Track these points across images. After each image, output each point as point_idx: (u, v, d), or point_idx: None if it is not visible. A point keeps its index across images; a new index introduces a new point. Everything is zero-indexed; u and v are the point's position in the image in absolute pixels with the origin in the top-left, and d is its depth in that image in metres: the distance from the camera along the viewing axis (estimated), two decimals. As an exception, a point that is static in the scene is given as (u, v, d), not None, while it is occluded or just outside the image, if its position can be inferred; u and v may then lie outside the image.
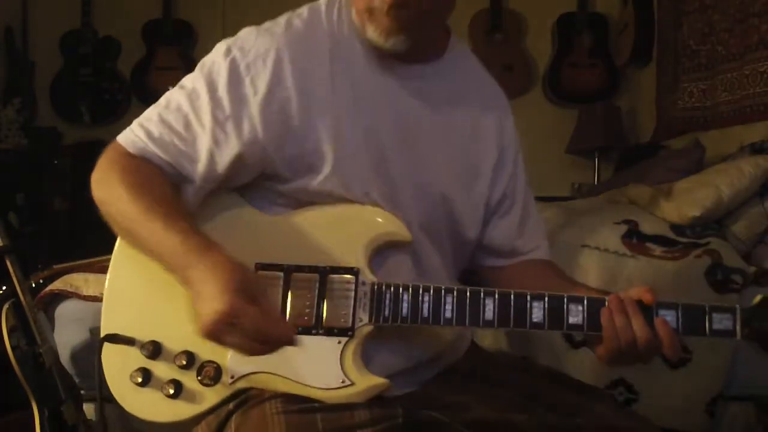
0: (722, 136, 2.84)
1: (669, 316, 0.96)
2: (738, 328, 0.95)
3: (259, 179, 1.09)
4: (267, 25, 1.10)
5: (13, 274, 1.59)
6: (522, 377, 1.15)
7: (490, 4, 4.25)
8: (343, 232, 1.06)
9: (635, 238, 1.85)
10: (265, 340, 0.91)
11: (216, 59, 1.07)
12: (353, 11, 1.08)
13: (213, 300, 0.89)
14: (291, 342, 0.94)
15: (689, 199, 1.96)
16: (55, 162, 4.12)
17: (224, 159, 1.04)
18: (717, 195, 1.92)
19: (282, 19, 1.10)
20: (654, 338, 0.95)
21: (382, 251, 1.07)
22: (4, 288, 1.62)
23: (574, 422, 1.03)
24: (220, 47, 1.08)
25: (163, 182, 1.04)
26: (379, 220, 1.06)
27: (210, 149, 1.04)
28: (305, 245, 1.05)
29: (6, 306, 1.55)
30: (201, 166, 1.04)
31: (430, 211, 1.11)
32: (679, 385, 1.64)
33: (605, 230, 1.89)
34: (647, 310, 0.96)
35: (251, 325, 0.89)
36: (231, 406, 1.02)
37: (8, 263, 1.59)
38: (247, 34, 1.09)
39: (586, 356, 1.65)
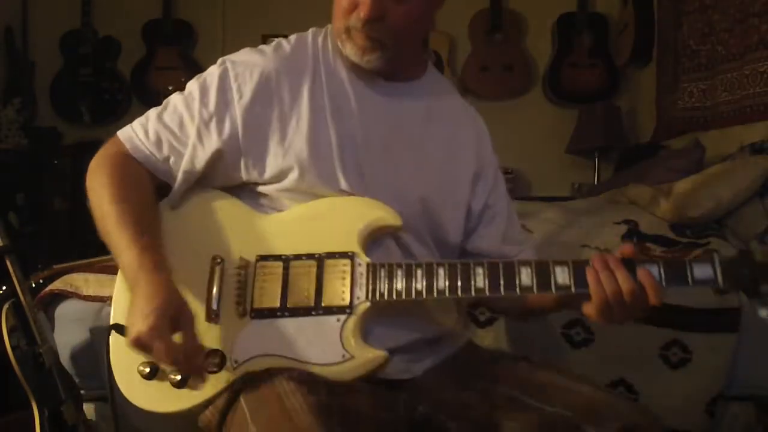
0: (722, 136, 2.84)
1: (652, 269, 1.00)
2: (719, 275, 0.99)
3: (244, 183, 1.18)
4: (260, 47, 1.23)
5: (13, 274, 1.58)
6: (520, 374, 1.15)
7: (490, 4, 4.25)
8: (337, 222, 1.12)
9: (635, 238, 1.86)
10: (176, 365, 1.00)
11: (211, 69, 1.20)
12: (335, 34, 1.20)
13: (142, 317, 0.98)
14: (199, 375, 1.04)
15: (689, 200, 1.96)
16: (55, 162, 4.12)
17: (205, 153, 1.15)
18: (717, 195, 1.92)
19: (273, 43, 1.23)
20: (639, 289, 0.99)
21: (373, 242, 1.13)
22: (4, 288, 1.62)
23: (567, 416, 1.03)
24: (218, 60, 1.21)
25: (146, 188, 1.16)
26: (370, 208, 1.13)
27: (194, 144, 1.15)
28: (302, 237, 1.12)
29: (6, 306, 1.55)
30: (185, 159, 1.16)
31: (409, 213, 1.17)
32: (679, 385, 1.64)
33: (605, 230, 1.89)
34: (630, 265, 1.00)
35: (164, 350, 0.97)
36: (237, 386, 1.05)
37: (8, 263, 1.59)
38: (242, 51, 1.22)
39: (587, 356, 1.65)
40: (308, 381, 1.00)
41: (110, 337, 1.11)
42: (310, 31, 1.25)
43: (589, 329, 1.65)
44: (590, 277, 1.00)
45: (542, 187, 4.28)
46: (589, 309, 1.03)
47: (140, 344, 0.97)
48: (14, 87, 4.26)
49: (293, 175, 1.13)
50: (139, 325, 0.97)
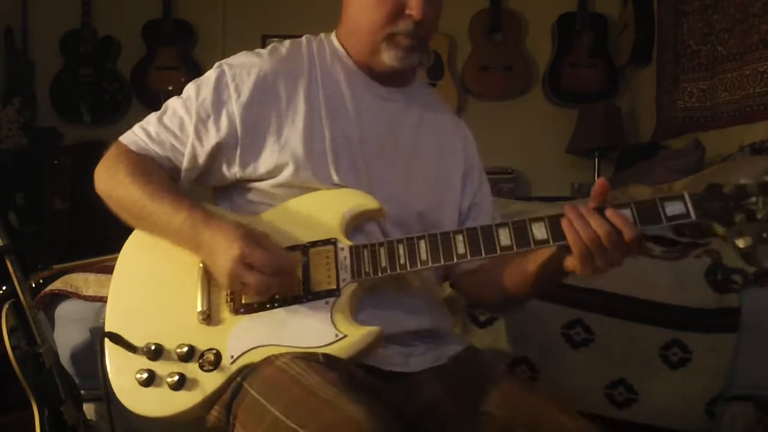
0: (722, 136, 2.85)
1: (624, 212, 1.02)
2: (691, 209, 1.00)
3: (238, 180, 1.21)
4: (256, 50, 1.27)
5: (13, 274, 1.59)
6: (514, 397, 1.14)
7: (490, 4, 4.26)
8: (319, 213, 1.15)
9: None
10: (277, 271, 1.05)
11: (209, 73, 1.23)
12: (334, 44, 1.27)
13: (227, 250, 1.04)
14: (296, 269, 1.09)
15: (689, 199, 1.95)
16: (55, 162, 4.12)
17: (204, 150, 1.19)
18: (717, 195, 1.91)
19: (269, 46, 1.27)
20: (613, 231, 1.00)
21: (356, 229, 1.16)
22: (4, 288, 1.62)
23: None
24: (215, 64, 1.24)
25: (162, 172, 1.19)
26: (349, 196, 1.16)
27: (193, 142, 1.19)
28: (287, 232, 1.15)
29: (6, 306, 1.55)
30: (186, 157, 1.20)
31: (405, 212, 1.21)
32: (679, 385, 1.64)
33: (605, 230, 1.88)
34: (602, 212, 1.02)
35: (263, 260, 1.03)
36: (238, 378, 1.06)
37: (8, 263, 1.60)
38: (238, 54, 1.26)
39: (587, 356, 1.65)
40: (317, 361, 1.02)
41: (105, 345, 1.12)
42: (305, 37, 1.29)
43: (589, 329, 1.65)
44: (566, 228, 1.02)
45: (542, 187, 4.28)
46: (572, 262, 1.04)
47: (239, 269, 1.02)
48: (14, 87, 4.26)
49: (288, 171, 1.16)
50: (230, 253, 1.03)
